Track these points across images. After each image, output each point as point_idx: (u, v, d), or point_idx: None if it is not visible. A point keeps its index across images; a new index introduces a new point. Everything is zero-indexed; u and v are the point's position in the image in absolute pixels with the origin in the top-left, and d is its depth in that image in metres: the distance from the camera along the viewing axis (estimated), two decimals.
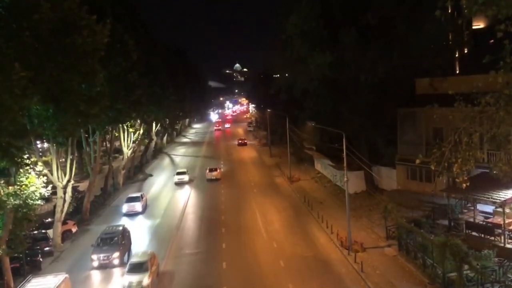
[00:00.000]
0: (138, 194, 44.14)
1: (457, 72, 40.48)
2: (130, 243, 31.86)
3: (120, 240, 29.83)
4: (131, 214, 41.17)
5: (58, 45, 24.69)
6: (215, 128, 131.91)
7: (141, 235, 35.52)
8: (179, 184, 54.08)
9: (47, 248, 30.90)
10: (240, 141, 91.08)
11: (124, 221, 38.06)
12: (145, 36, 60.89)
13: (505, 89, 11.16)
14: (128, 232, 32.33)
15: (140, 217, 41.27)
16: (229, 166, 67.68)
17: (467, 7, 11.02)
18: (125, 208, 41.73)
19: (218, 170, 58.53)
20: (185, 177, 55.34)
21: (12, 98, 19.97)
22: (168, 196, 49.18)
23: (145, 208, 43.21)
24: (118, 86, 37.24)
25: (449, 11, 30.36)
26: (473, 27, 40.27)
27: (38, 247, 30.01)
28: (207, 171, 58.14)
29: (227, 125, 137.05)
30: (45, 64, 24.15)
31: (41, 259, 28.97)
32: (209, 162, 71.50)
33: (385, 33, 36.48)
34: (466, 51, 41.91)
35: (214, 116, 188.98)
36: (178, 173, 56.17)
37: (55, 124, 27.28)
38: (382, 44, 36.10)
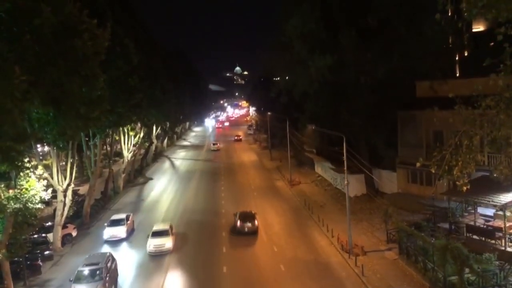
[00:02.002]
0: (123, 216, 37.00)
1: (457, 75, 40.48)
2: (117, 275, 27.15)
3: (104, 272, 24.72)
4: (114, 241, 34.81)
5: (58, 49, 24.67)
6: (217, 126, 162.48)
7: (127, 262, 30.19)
8: (156, 256, 31.15)
9: (47, 252, 30.79)
10: (236, 137, 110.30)
11: (106, 249, 32.23)
12: (146, 40, 61.00)
13: (505, 92, 11.14)
14: (115, 261, 27.59)
15: (125, 243, 34.95)
16: (230, 169, 67.73)
17: (467, 10, 11.02)
18: (106, 233, 35.07)
19: (218, 144, 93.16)
20: (167, 242, 31.71)
21: (12, 102, 19.94)
22: (168, 201, 49.04)
23: (131, 232, 36.87)
24: (118, 90, 37.23)
25: (449, 14, 30.41)
26: (473, 30, 40.27)
27: (38, 251, 29.92)
28: (211, 144, 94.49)
29: (226, 124, 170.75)
30: (45, 68, 24.15)
31: (41, 263, 28.87)
32: (209, 166, 71.83)
33: (385, 35, 36.50)
34: (466, 54, 41.93)
35: (210, 122, 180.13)
36: (155, 234, 32.22)
37: (55, 128, 27.26)
38: (382, 47, 36.12)
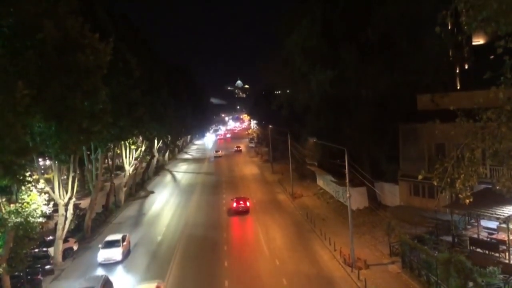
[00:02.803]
0: (118, 237, 34.31)
1: (458, 88, 40.54)
2: None
3: None
4: (108, 264, 32.17)
5: (61, 63, 24.87)
6: (219, 138, 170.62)
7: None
8: None
9: (48, 266, 30.59)
10: (236, 148, 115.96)
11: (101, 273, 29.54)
12: (148, 54, 61.44)
13: (506, 105, 11.17)
14: (111, 284, 26.30)
15: (120, 266, 32.32)
16: (231, 182, 67.55)
17: (467, 23, 11.09)
18: (100, 256, 32.49)
19: (220, 151, 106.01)
20: None
21: (15, 116, 20.06)
22: (170, 214, 48.87)
23: (127, 253, 34.31)
24: (120, 104, 37.41)
25: (449, 27, 30.54)
26: (473, 43, 40.45)
27: (39, 265, 29.77)
28: (214, 152, 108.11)
29: (228, 135, 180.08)
30: (48, 82, 24.30)
31: (41, 278, 28.66)
32: (211, 179, 71.75)
33: (385, 49, 36.72)
34: (466, 67, 42.05)
35: (210, 137, 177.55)
36: None
37: (57, 141, 27.33)
38: (382, 61, 36.32)
